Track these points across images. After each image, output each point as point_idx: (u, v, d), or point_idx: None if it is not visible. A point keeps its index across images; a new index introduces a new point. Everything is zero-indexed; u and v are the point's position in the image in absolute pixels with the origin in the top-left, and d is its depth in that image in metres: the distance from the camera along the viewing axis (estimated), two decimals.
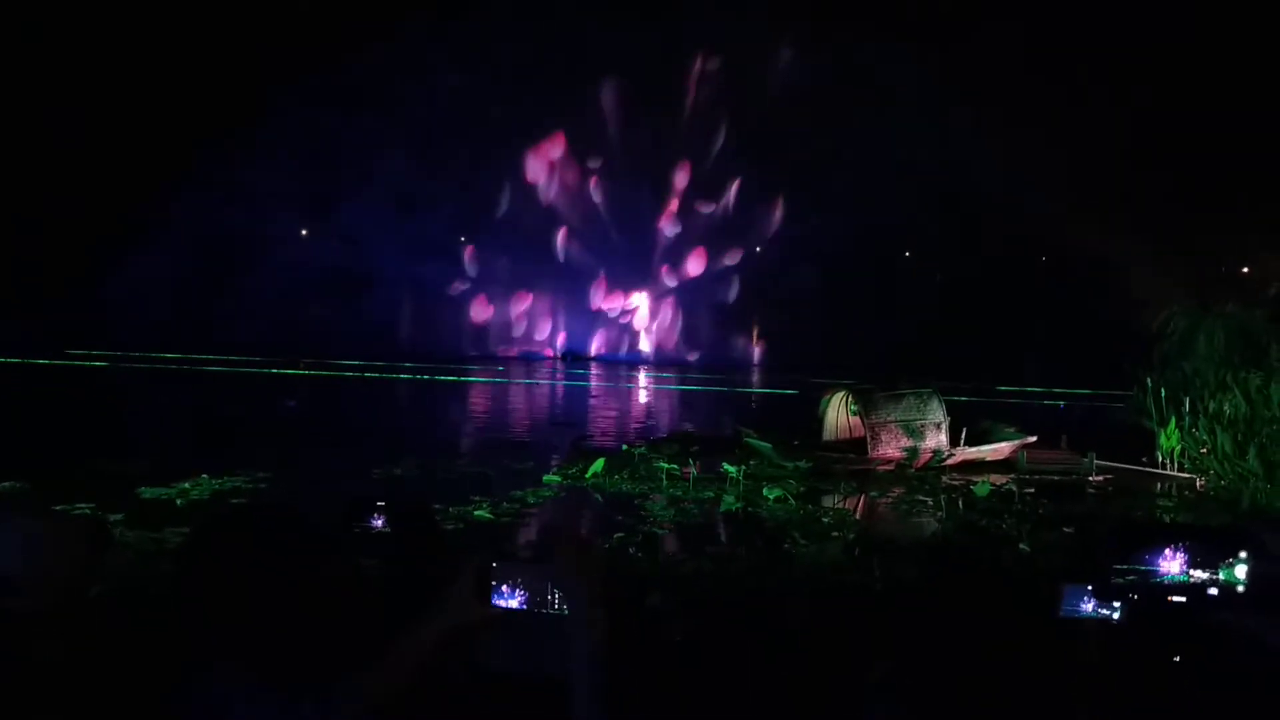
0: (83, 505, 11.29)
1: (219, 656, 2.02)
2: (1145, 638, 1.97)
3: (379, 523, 2.67)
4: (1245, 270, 40.44)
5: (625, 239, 40.39)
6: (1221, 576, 1.75)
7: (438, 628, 2.00)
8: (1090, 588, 2.03)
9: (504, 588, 2.01)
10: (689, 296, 40.09)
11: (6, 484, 13.12)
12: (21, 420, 17.87)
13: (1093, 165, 38.46)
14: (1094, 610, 1.99)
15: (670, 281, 40.27)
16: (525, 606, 2.00)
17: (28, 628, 2.21)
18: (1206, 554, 1.75)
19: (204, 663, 2.02)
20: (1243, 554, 1.72)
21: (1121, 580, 1.84)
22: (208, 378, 28.08)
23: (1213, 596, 1.81)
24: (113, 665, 2.20)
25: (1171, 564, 1.81)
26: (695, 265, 40.27)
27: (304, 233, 44.28)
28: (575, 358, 37.72)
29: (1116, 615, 2.04)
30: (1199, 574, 1.77)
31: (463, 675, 2.14)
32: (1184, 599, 1.82)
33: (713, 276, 40.08)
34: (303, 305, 35.34)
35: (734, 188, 40.22)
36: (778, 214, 40.48)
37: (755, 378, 32.96)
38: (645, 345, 39.37)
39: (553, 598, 2.00)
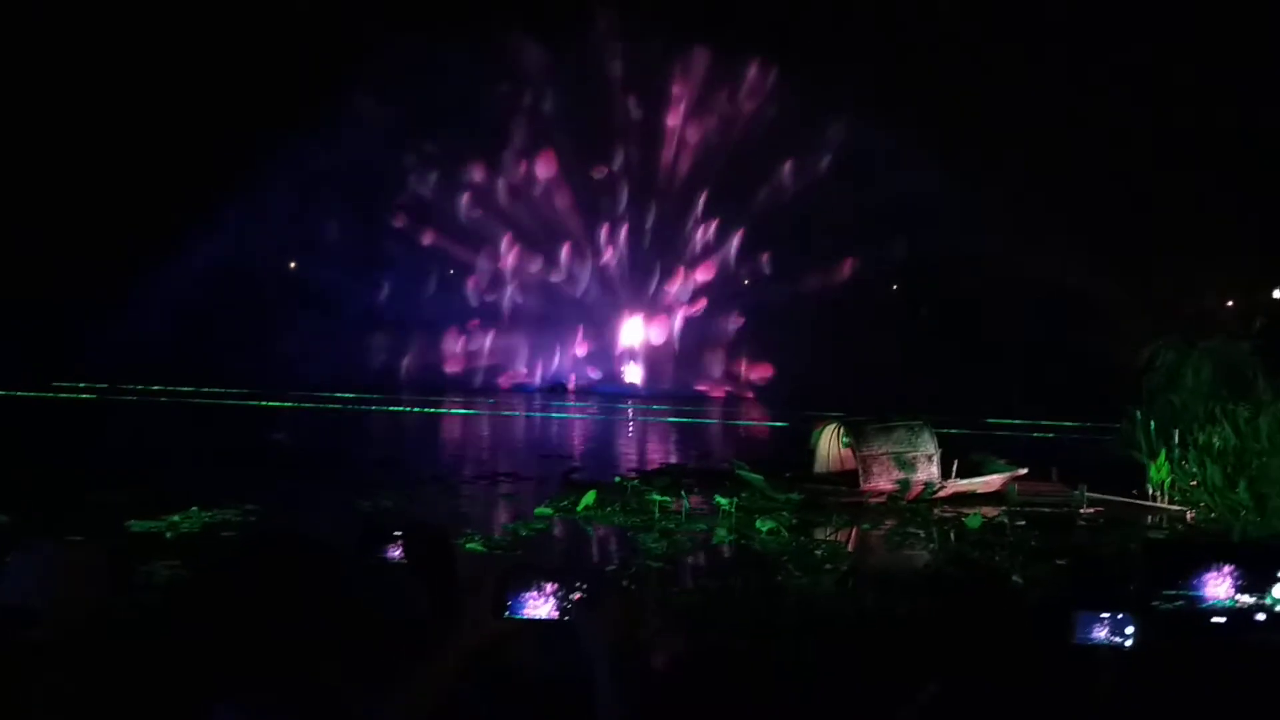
0: (72, 538, 11.17)
1: (237, 681, 2.03)
2: (1158, 662, 1.98)
3: (395, 552, 2.69)
4: (1230, 304, 40.89)
5: (615, 275, 40.71)
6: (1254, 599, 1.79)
7: (459, 643, 2.02)
8: (1103, 615, 2.06)
9: (522, 599, 2.05)
10: (680, 330, 40.19)
11: None
12: (8, 452, 17.70)
13: (1080, 200, 38.90)
14: (1106, 637, 2.01)
15: (661, 314, 40.41)
16: (544, 617, 2.04)
17: (50, 653, 2.21)
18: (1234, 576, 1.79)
19: (223, 687, 2.03)
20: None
21: (1143, 604, 1.87)
22: (196, 410, 27.92)
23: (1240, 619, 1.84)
24: (130, 690, 2.20)
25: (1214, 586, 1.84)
26: (685, 299, 40.48)
27: (292, 265, 44.29)
28: (563, 389, 37.60)
29: (1127, 641, 2.07)
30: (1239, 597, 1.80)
31: (485, 690, 2.16)
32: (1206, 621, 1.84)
33: (703, 310, 40.23)
34: (293, 334, 35.22)
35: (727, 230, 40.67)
36: (768, 252, 40.84)
37: (746, 410, 32.99)
38: (632, 377, 39.34)
39: (568, 609, 2.05)
